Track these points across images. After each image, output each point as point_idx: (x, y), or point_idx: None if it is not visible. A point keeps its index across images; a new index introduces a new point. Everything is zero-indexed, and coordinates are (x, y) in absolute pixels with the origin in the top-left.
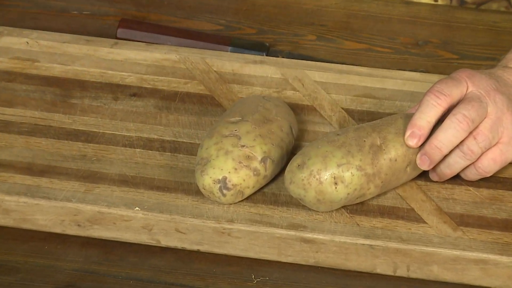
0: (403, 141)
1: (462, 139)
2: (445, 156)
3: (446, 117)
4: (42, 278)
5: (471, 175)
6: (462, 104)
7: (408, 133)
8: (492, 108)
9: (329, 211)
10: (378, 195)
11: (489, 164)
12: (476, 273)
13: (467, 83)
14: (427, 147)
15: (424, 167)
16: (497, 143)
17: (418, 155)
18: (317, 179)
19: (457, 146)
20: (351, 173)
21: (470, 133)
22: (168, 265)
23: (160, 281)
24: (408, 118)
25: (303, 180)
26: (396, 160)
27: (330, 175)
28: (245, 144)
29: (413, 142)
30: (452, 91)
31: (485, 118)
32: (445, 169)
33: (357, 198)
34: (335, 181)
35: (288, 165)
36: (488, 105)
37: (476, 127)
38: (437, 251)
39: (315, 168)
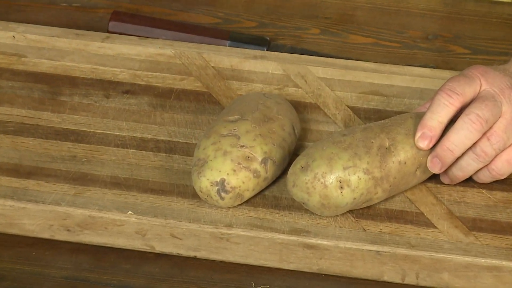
0: (413, 143)
1: (475, 140)
2: (457, 158)
3: (459, 117)
4: (29, 286)
5: (485, 177)
6: (475, 103)
7: (418, 134)
8: (507, 107)
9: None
10: (386, 199)
11: (503, 166)
12: (489, 281)
13: (481, 81)
14: (438, 149)
15: (435, 170)
16: None
17: (429, 158)
18: (321, 183)
19: (470, 147)
20: (358, 176)
21: (484, 134)
22: (163, 273)
23: None
24: (418, 118)
25: (306, 183)
26: (405, 163)
27: (335, 179)
28: (244, 144)
29: (424, 144)
30: (465, 89)
31: (499, 118)
32: (457, 171)
33: (363, 202)
34: (341, 185)
35: (291, 167)
36: (503, 104)
37: (490, 128)
38: (448, 257)
39: (319, 171)
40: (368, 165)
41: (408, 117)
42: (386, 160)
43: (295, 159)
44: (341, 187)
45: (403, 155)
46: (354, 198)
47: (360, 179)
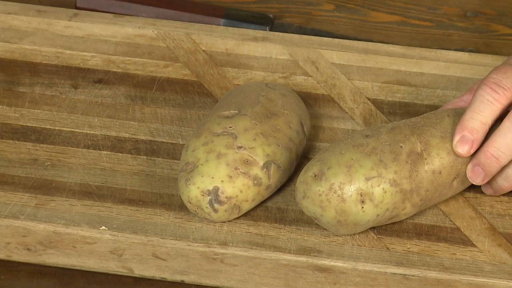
0: (450, 148)
1: None
2: (503, 167)
3: (505, 116)
4: None
5: None
6: None
7: (457, 137)
8: None
9: None
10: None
11: None
12: None
13: None
14: (481, 156)
15: (477, 181)
16: None
17: (469, 166)
18: (338, 196)
19: None
20: (383, 189)
21: None
22: None
23: None
24: (457, 116)
25: (320, 195)
26: (440, 173)
27: (355, 191)
28: (242, 145)
29: (464, 150)
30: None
31: None
32: (502, 182)
33: (388, 219)
34: (362, 198)
35: (301, 173)
36: None
37: None
38: (490, 282)
39: (336, 181)
40: (396, 175)
41: (445, 115)
42: (417, 169)
43: (305, 164)
44: (362, 201)
45: (438, 163)
46: (378, 215)
47: (385, 192)
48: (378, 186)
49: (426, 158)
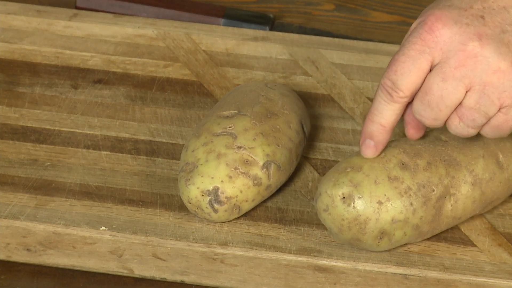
0: (477, 197)
1: None
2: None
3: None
4: None
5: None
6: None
7: (360, 142)
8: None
9: None
10: None
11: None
12: None
13: (432, 52)
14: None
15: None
16: None
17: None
18: (361, 228)
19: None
20: (404, 233)
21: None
22: None
23: None
24: (491, 157)
25: (343, 220)
26: (460, 218)
27: (379, 230)
28: (242, 145)
29: (369, 155)
30: (404, 81)
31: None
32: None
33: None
34: (381, 236)
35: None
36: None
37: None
38: (490, 282)
39: (364, 216)
40: (420, 221)
41: (480, 156)
42: (440, 214)
43: (305, 164)
44: (381, 238)
45: (461, 212)
46: (390, 248)
47: (405, 235)
48: (401, 229)
49: (452, 205)
